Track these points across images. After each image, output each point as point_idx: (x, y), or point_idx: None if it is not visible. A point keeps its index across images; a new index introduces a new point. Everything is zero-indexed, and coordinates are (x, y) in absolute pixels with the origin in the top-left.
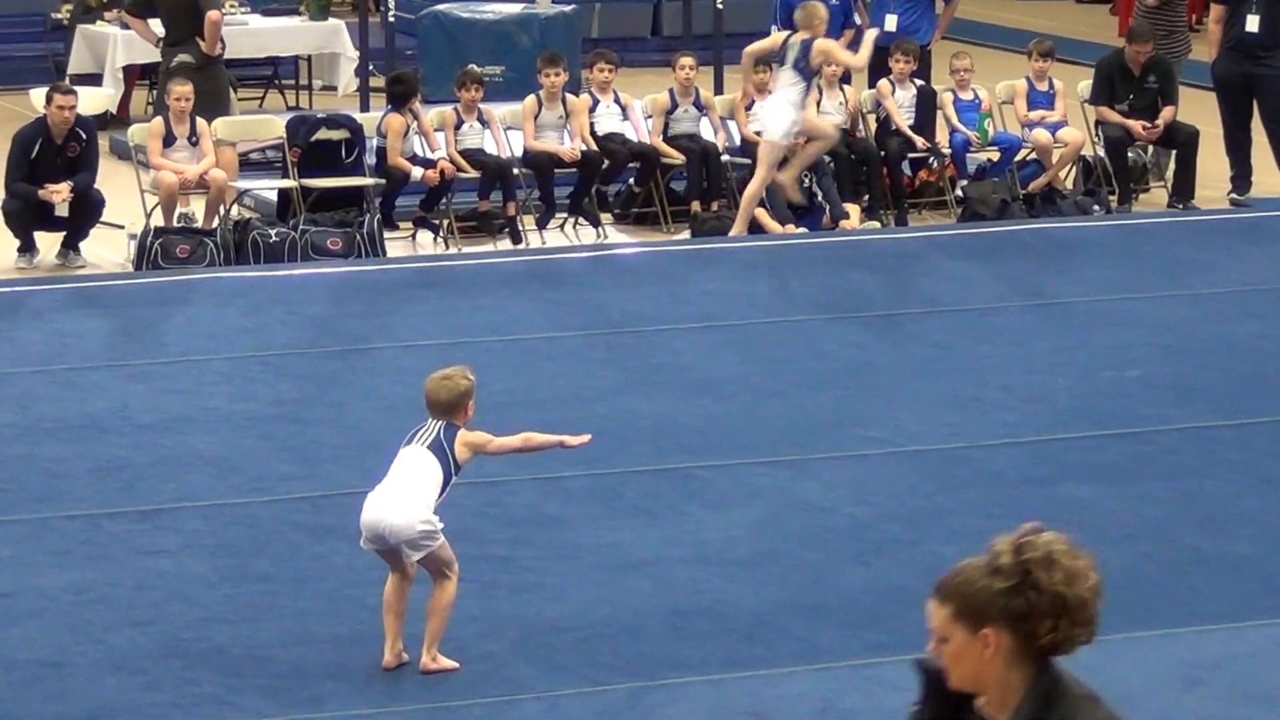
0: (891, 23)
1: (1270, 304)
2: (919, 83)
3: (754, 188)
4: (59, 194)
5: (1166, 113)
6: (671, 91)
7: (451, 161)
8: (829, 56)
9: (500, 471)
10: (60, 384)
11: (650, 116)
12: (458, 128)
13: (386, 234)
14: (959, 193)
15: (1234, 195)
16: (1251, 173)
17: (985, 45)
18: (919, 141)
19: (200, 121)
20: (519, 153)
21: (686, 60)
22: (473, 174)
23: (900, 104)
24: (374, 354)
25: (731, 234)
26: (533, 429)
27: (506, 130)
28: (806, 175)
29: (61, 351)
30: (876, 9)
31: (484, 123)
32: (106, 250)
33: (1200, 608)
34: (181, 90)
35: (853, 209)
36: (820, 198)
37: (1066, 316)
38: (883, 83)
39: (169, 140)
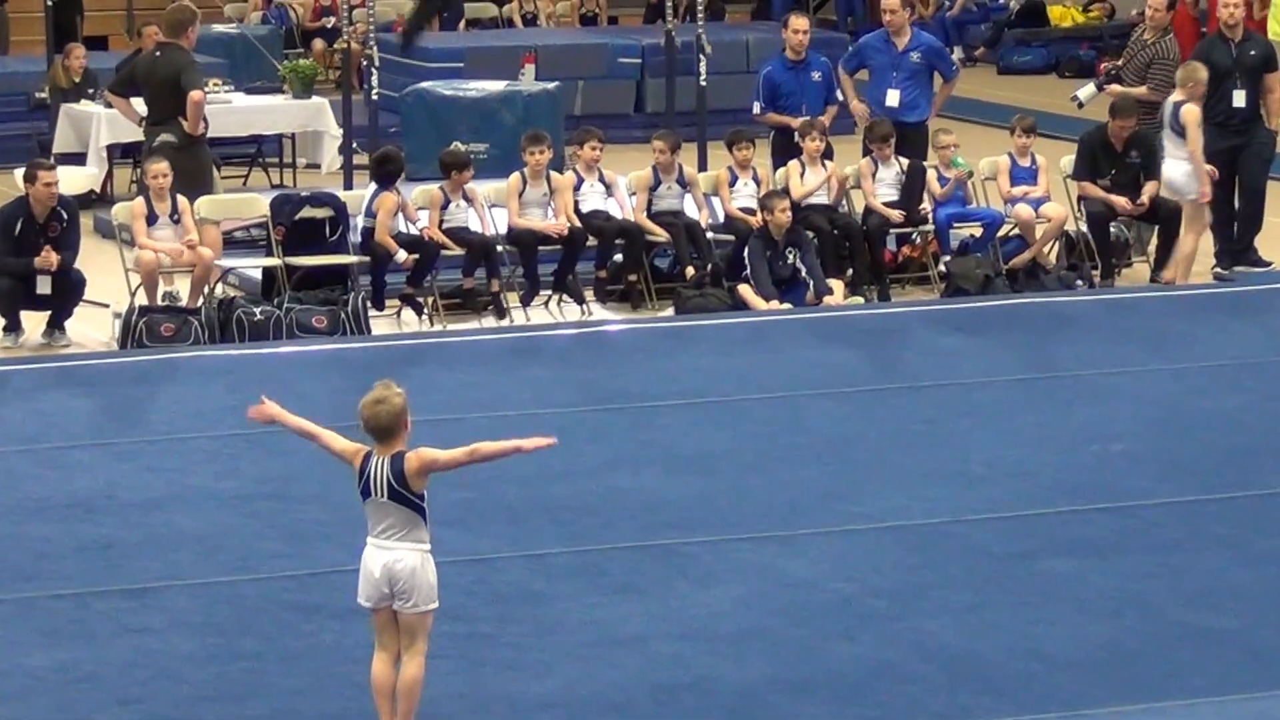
0: (894, 98)
1: (1255, 377)
2: (903, 160)
3: (1189, 246)
4: (52, 259)
5: (1150, 187)
6: (654, 168)
7: (433, 240)
8: (1188, 124)
9: (487, 548)
10: (45, 463)
11: (634, 193)
12: (444, 207)
13: (373, 313)
14: (942, 268)
15: (1218, 270)
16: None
17: (968, 120)
18: (895, 216)
19: (181, 199)
20: (503, 230)
21: (659, 143)
22: (457, 251)
23: (884, 180)
24: (360, 431)
25: (1167, 278)
26: (519, 505)
27: (490, 208)
28: (791, 251)
29: (47, 430)
30: (878, 85)
31: (469, 200)
32: (91, 329)
33: (1186, 681)
34: (157, 168)
35: (836, 284)
36: (804, 273)
37: (1050, 391)
38: (864, 161)
39: (151, 219)
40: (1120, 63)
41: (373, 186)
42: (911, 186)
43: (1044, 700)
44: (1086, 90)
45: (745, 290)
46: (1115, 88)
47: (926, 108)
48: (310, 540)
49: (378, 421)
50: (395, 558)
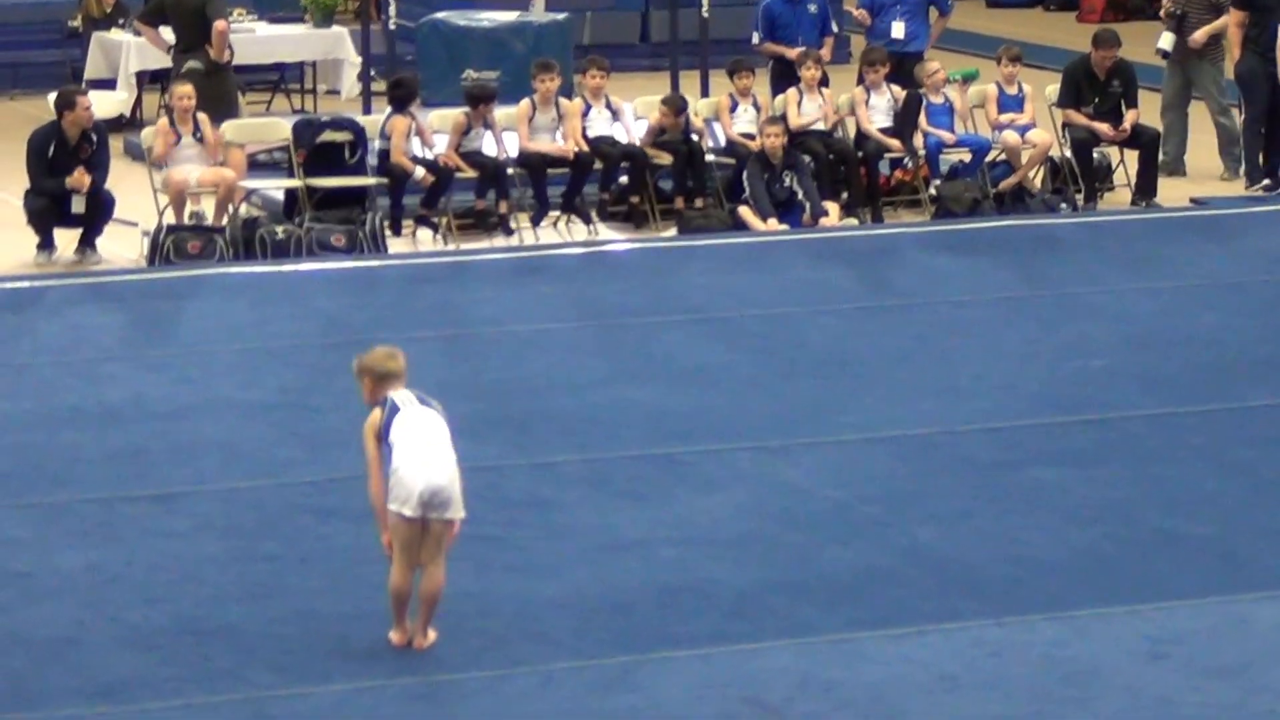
0: (899, 30)
1: (1229, 297)
2: (895, 89)
3: None
4: (84, 180)
5: (1131, 115)
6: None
7: (448, 162)
8: None
9: (497, 456)
10: (77, 374)
11: (641, 118)
12: (466, 133)
13: (390, 235)
14: (932, 191)
15: (1256, 187)
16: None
17: (957, 51)
18: (892, 144)
19: (202, 116)
20: (514, 154)
21: (665, 109)
22: (470, 174)
23: (877, 108)
24: (376, 345)
25: None
26: (529, 416)
27: (501, 132)
28: (788, 174)
29: (78, 343)
30: (883, 17)
31: (488, 125)
32: (121, 247)
33: (1163, 585)
34: (183, 90)
35: (832, 207)
36: (801, 196)
37: (1035, 309)
38: (858, 89)
39: (176, 139)
40: (1173, 7)
41: (389, 111)
42: (906, 115)
43: (1029, 603)
44: (1166, 38)
45: (745, 211)
46: (1199, 35)
47: (925, 40)
48: (328, 448)
49: (395, 366)
50: (438, 471)
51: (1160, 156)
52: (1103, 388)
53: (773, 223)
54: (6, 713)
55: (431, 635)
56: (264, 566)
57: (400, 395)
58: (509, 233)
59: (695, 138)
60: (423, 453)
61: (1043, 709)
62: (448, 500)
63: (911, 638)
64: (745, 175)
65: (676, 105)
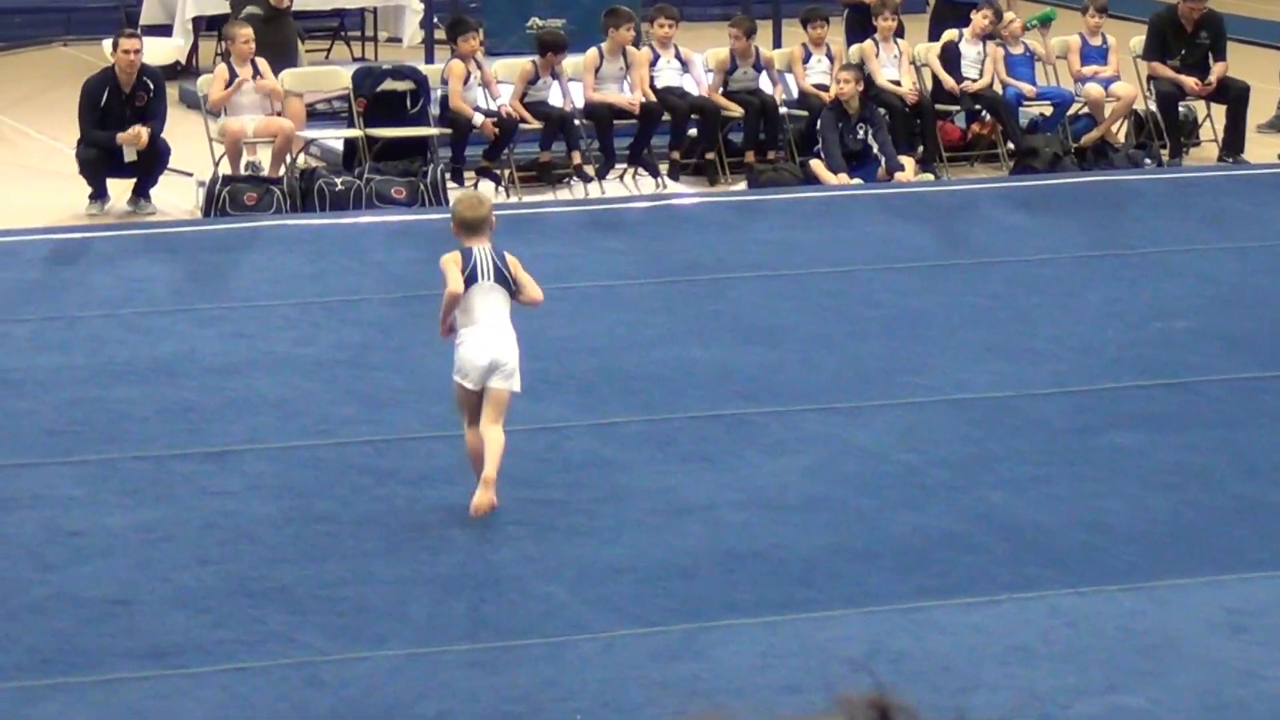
0: None
1: None
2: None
3: None
4: (137, 138)
5: (1218, 68)
6: (731, 53)
7: (512, 112)
8: None
9: (558, 417)
10: (129, 328)
11: (711, 70)
12: (533, 82)
13: (451, 185)
14: (1011, 145)
15: None
16: None
17: (1041, 1)
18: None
19: (262, 62)
20: (580, 104)
21: (734, 29)
22: (535, 125)
23: (970, 59)
24: (436, 300)
25: None
26: (592, 375)
27: (567, 82)
28: (861, 127)
29: (131, 296)
30: None
31: (555, 75)
32: (176, 197)
33: (1245, 555)
34: (244, 32)
35: (907, 161)
36: (876, 150)
37: (1116, 268)
38: (950, 32)
39: (232, 81)
40: None
41: (449, 56)
42: (946, 65)
43: (1105, 572)
44: None
45: (817, 165)
46: None
47: None
48: (386, 406)
49: (478, 215)
50: (499, 346)
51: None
52: (1185, 350)
53: (844, 177)
54: (56, 675)
55: (491, 496)
56: (319, 527)
57: (480, 253)
58: (586, 179)
59: (768, 88)
60: (485, 334)
61: (1119, 682)
62: (508, 374)
63: (984, 607)
64: (819, 126)
65: (746, 27)
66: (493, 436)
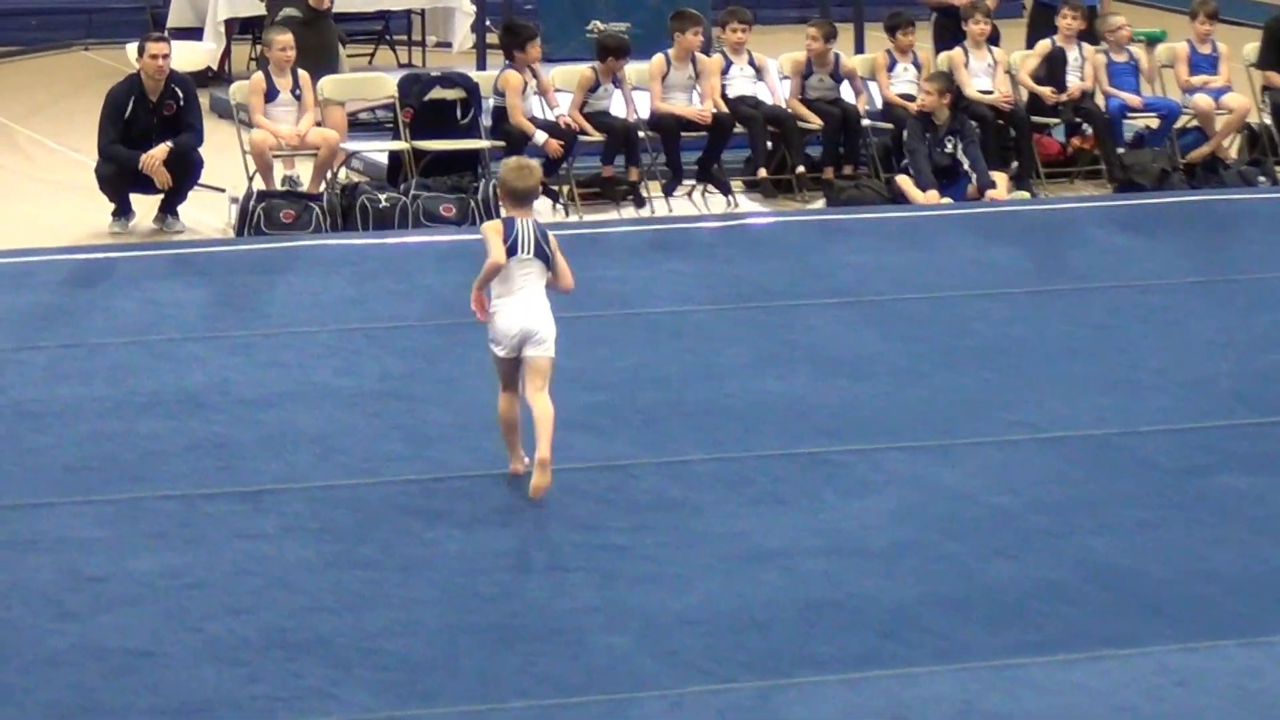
0: None
1: None
2: (1085, 46)
3: None
4: (157, 161)
5: None
6: (809, 58)
7: (571, 123)
8: None
9: (622, 454)
10: (156, 356)
11: (787, 77)
12: (593, 90)
13: None
14: (1114, 162)
15: None
16: None
17: (1145, 6)
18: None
19: (303, 74)
20: (645, 115)
21: (813, 31)
22: (596, 137)
23: (1069, 65)
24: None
25: None
26: (657, 409)
27: (631, 91)
28: (950, 141)
29: (158, 322)
30: None
31: (617, 83)
32: (206, 214)
33: None
34: (284, 39)
35: (1000, 178)
36: (966, 165)
37: (1229, 294)
38: (1043, 42)
39: (270, 94)
40: None
41: (504, 64)
42: (1052, 71)
43: (1217, 626)
44: None
45: (903, 181)
46: None
47: None
48: (434, 442)
49: (526, 184)
50: (533, 317)
51: None
52: None
53: (933, 194)
54: None
55: (548, 477)
56: (362, 574)
57: (523, 225)
58: (639, 203)
59: (850, 98)
60: (520, 305)
61: None
62: (542, 341)
63: (1085, 664)
64: (905, 137)
65: (826, 30)
66: (541, 406)
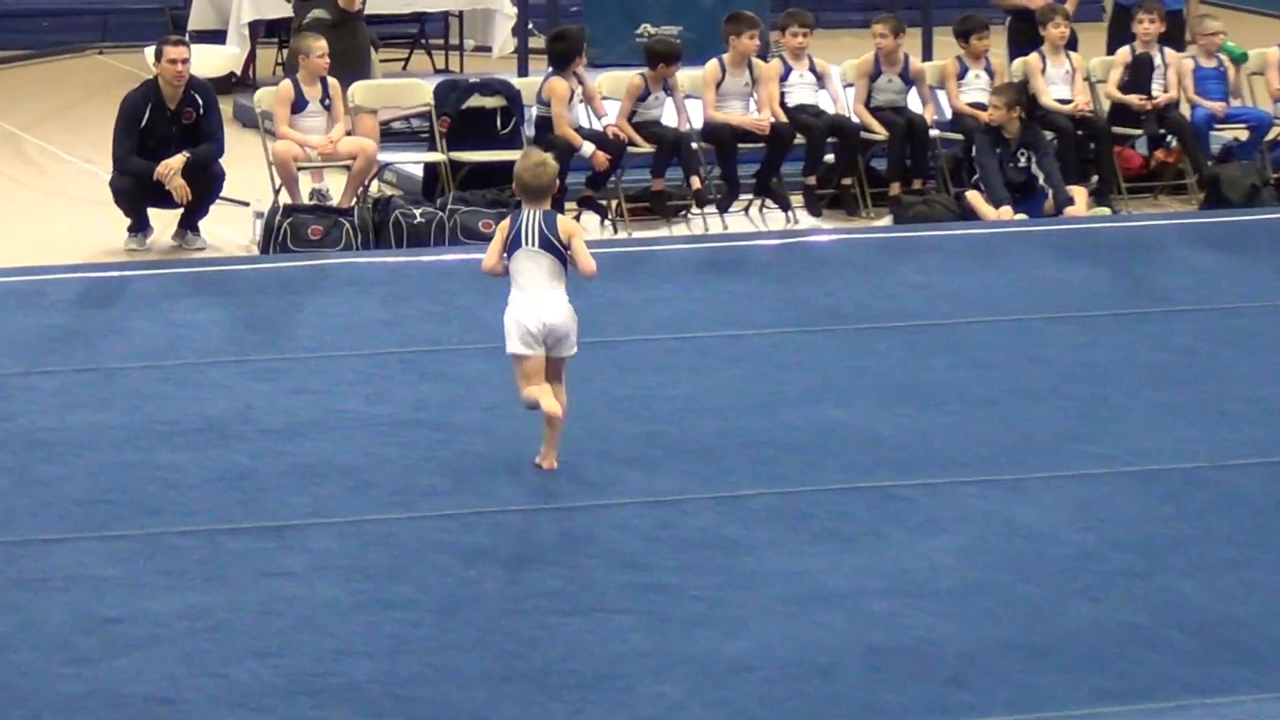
0: None
1: None
2: (1169, 51)
3: None
4: (173, 171)
5: None
6: (876, 57)
7: (619, 134)
8: None
9: (674, 489)
10: (176, 382)
11: (850, 84)
12: (642, 99)
13: None
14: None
15: None
16: None
17: (1235, 8)
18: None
19: (333, 82)
20: (699, 125)
21: (881, 28)
22: (646, 149)
23: (1155, 72)
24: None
25: None
26: (712, 440)
27: (684, 99)
28: (1024, 153)
29: (177, 345)
30: None
31: (669, 90)
32: (229, 230)
33: None
34: (318, 45)
35: (1079, 193)
36: (1042, 180)
37: None
38: (1122, 50)
39: (299, 105)
40: None
41: (549, 71)
42: (1137, 78)
43: None
44: None
45: (974, 197)
46: None
47: None
48: (473, 475)
49: (539, 181)
50: (549, 310)
51: None
52: None
53: (1006, 210)
54: None
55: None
56: (395, 615)
57: (529, 217)
58: (696, 218)
59: (916, 106)
60: (532, 300)
61: None
62: (561, 338)
63: (1171, 713)
64: (975, 150)
65: (894, 26)
66: (552, 404)
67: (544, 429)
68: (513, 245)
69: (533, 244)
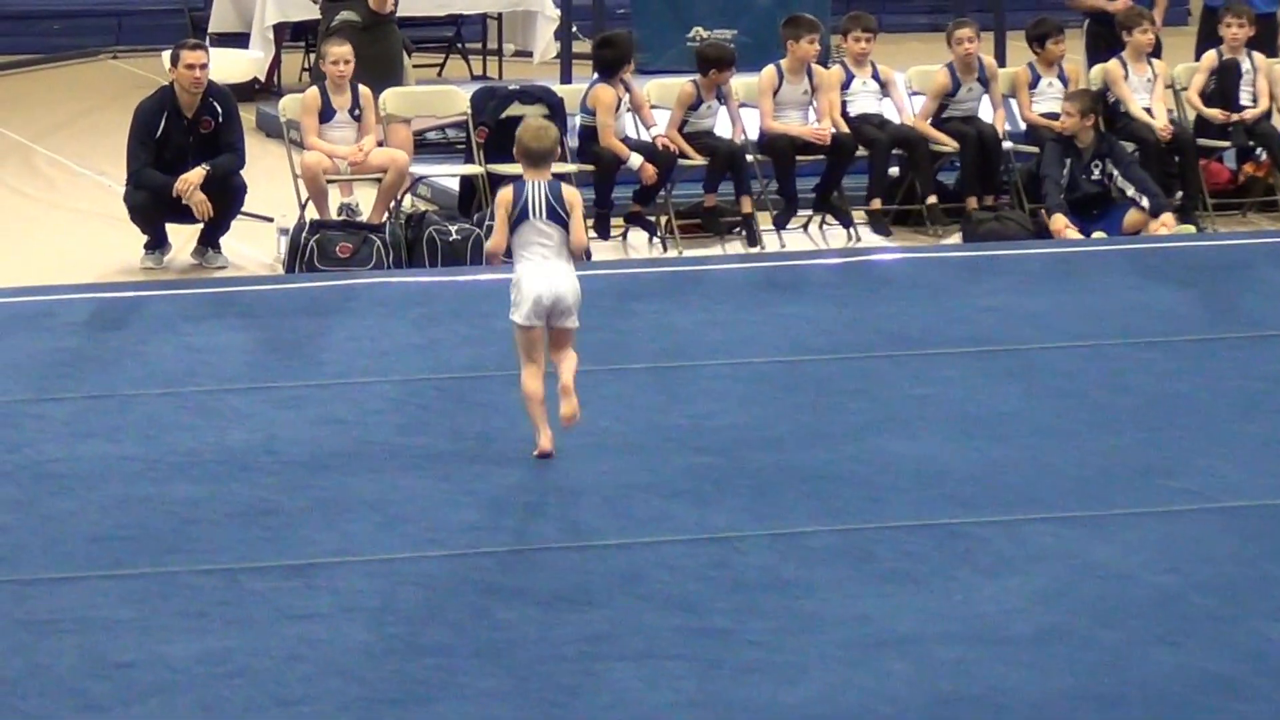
0: None
1: None
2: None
3: None
4: (192, 186)
5: None
6: (951, 67)
7: (669, 145)
8: None
9: (727, 526)
10: (194, 410)
11: (917, 94)
12: (694, 108)
13: (592, 234)
14: None
15: None
16: None
17: None
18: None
19: (364, 91)
20: (754, 136)
21: (963, 33)
22: (698, 161)
23: (1243, 80)
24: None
25: None
26: (768, 473)
27: (738, 108)
28: (1098, 165)
29: (196, 370)
30: None
31: (722, 99)
32: (252, 248)
33: None
34: (339, 52)
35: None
36: (1129, 192)
37: None
38: (1207, 55)
39: (326, 114)
40: None
41: (594, 78)
42: (1225, 85)
43: None
44: None
45: (1058, 220)
46: None
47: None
48: (512, 511)
49: (542, 145)
50: (559, 280)
51: None
52: None
53: (1059, 219)
54: None
55: (574, 404)
56: (429, 661)
57: (534, 188)
58: (752, 240)
59: (987, 116)
60: (539, 271)
61: None
62: (566, 310)
63: None
64: (1041, 161)
65: (977, 29)
66: (566, 363)
67: (531, 407)
68: (518, 219)
69: (540, 216)
